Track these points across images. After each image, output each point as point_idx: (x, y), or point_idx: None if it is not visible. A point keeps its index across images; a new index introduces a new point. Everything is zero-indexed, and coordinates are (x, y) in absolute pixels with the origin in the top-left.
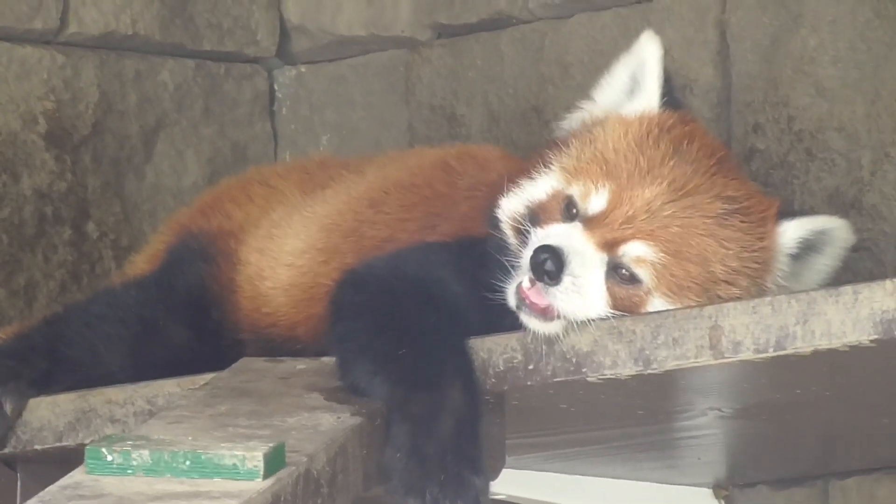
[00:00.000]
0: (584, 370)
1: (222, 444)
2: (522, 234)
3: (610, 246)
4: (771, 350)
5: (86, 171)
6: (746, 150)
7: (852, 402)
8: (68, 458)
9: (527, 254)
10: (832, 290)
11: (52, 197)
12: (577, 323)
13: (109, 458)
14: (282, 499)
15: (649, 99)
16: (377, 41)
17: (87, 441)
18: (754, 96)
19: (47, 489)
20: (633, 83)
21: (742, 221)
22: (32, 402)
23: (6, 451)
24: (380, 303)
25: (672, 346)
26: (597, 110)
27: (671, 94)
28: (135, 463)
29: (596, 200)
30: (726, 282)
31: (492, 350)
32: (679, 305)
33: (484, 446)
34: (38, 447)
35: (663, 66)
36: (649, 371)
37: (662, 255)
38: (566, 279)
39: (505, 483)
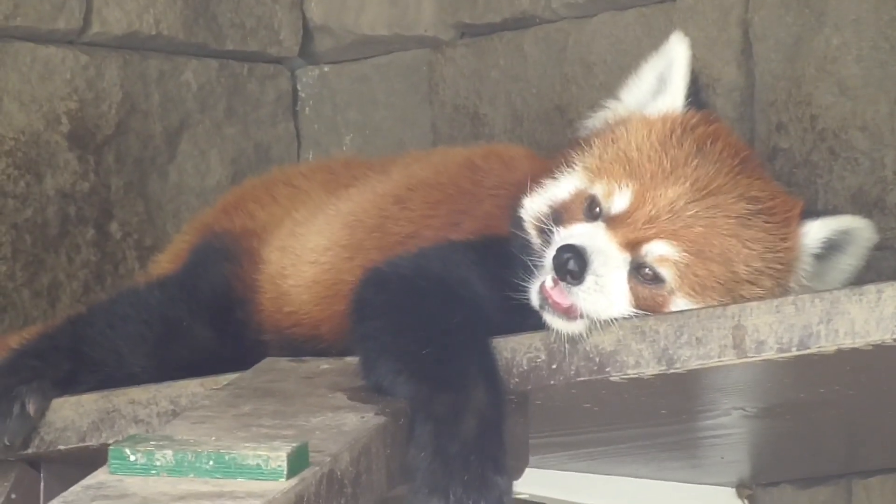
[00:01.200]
0: (607, 370)
1: (246, 445)
2: (545, 234)
3: (633, 245)
4: (794, 349)
5: (109, 172)
6: (770, 150)
7: (876, 401)
8: (92, 459)
9: (550, 253)
10: (856, 290)
11: (76, 197)
12: (600, 322)
13: (133, 458)
14: (305, 499)
15: (674, 99)
16: (400, 41)
17: (110, 441)
18: (777, 95)
19: (70, 489)
20: (659, 83)
21: (766, 222)
22: (56, 402)
23: (29, 451)
24: (403, 301)
25: (695, 345)
26: (620, 110)
27: (696, 95)
28: (158, 463)
29: (619, 200)
30: (749, 282)
31: (515, 350)
32: (702, 305)
33: (507, 446)
34: (61, 447)
35: (690, 67)
36: (672, 370)
37: (685, 254)
38: (589, 279)
39: (528, 482)
